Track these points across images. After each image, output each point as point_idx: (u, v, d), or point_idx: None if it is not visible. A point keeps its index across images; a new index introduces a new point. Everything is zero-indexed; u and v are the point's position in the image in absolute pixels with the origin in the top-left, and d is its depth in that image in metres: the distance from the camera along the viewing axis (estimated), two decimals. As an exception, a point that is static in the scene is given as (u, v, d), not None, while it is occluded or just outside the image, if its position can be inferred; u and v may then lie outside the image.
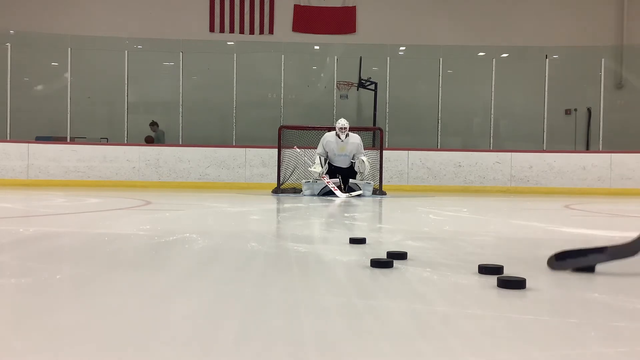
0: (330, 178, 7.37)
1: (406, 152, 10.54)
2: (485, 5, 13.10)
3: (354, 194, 7.22)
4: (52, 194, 7.04)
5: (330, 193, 7.20)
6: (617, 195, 9.05)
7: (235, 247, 2.29)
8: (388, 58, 12.14)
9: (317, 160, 7.49)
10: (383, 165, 8.34)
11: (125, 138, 11.70)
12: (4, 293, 1.43)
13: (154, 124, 11.96)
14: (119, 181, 10.18)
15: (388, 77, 11.99)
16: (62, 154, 10.29)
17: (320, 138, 7.76)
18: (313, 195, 7.25)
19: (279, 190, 7.87)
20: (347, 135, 7.52)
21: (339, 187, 7.27)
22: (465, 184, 10.40)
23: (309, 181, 7.48)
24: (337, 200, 6.35)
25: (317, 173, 7.32)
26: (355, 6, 13.13)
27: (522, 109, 12.43)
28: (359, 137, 7.69)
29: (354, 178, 7.55)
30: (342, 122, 7.55)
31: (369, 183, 7.60)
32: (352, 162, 7.61)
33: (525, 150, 10.89)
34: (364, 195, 7.26)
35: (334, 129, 7.69)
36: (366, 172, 7.52)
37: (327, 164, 7.54)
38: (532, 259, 2.13)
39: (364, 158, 7.49)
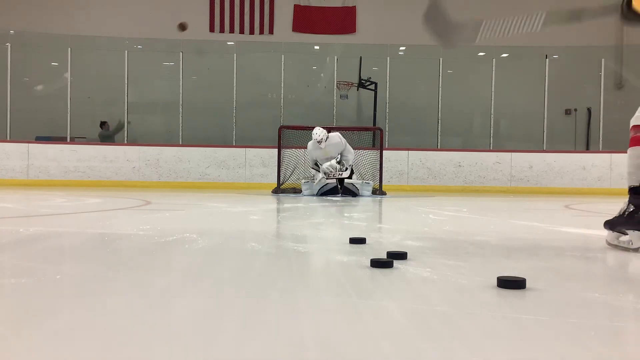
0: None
1: (406, 152, 10.55)
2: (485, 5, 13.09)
3: (345, 177, 7.22)
4: (52, 194, 7.04)
5: (328, 193, 7.21)
6: (617, 195, 9.02)
7: (235, 247, 2.29)
8: (388, 58, 12.14)
9: (314, 171, 7.48)
10: (383, 165, 8.34)
11: (125, 138, 11.71)
12: (4, 293, 1.43)
13: (104, 123, 11.83)
14: (119, 181, 10.19)
15: (388, 77, 11.99)
16: (62, 154, 10.30)
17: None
18: (312, 195, 7.25)
19: (279, 190, 7.87)
20: (326, 139, 7.36)
21: (340, 181, 7.26)
22: (465, 184, 10.40)
23: (307, 181, 7.48)
24: (335, 199, 6.35)
25: (322, 177, 7.27)
26: (355, 6, 13.13)
27: (522, 109, 12.44)
28: (337, 134, 7.49)
29: (349, 177, 7.53)
30: (316, 135, 7.21)
31: (368, 183, 7.58)
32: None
33: (525, 150, 10.90)
34: (362, 195, 7.25)
35: (334, 129, 7.68)
36: (347, 165, 7.38)
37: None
38: (532, 259, 2.13)
39: (347, 158, 7.36)
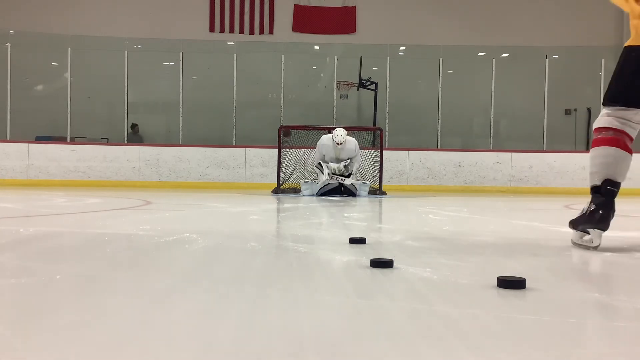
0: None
1: (406, 152, 10.54)
2: (485, 5, 13.10)
3: (347, 181, 7.22)
4: (52, 194, 7.04)
5: (328, 193, 7.21)
6: (617, 195, 9.02)
7: (235, 247, 2.29)
8: (388, 58, 12.14)
9: (318, 171, 7.47)
10: (383, 165, 8.34)
11: (125, 138, 11.71)
12: (4, 293, 1.43)
13: (134, 126, 11.99)
14: (119, 181, 10.19)
15: (388, 77, 11.99)
16: (62, 154, 10.29)
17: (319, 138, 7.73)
18: (312, 195, 7.25)
19: (279, 190, 7.87)
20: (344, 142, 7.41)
21: (344, 177, 7.27)
22: (465, 184, 10.40)
23: (307, 181, 7.48)
24: (335, 199, 6.35)
25: (326, 179, 7.27)
26: (355, 6, 13.13)
27: (522, 109, 12.43)
28: (355, 141, 7.55)
29: (348, 177, 7.53)
30: (339, 138, 7.23)
31: (365, 183, 7.59)
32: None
33: (525, 150, 10.89)
34: (360, 195, 7.25)
35: (334, 129, 7.68)
36: (351, 170, 7.43)
37: (326, 164, 7.51)
38: (532, 259, 2.13)
39: (354, 165, 7.40)
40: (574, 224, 2.39)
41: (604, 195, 2.30)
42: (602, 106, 2.43)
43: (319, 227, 3.57)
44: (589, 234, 2.32)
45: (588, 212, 2.32)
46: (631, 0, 2.34)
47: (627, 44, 2.37)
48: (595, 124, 2.43)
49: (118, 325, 1.11)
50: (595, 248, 2.26)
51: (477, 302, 1.35)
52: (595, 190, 2.34)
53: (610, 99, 2.38)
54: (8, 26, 12.19)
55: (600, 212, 2.27)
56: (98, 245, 2.38)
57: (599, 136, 2.39)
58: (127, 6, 12.85)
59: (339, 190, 7.23)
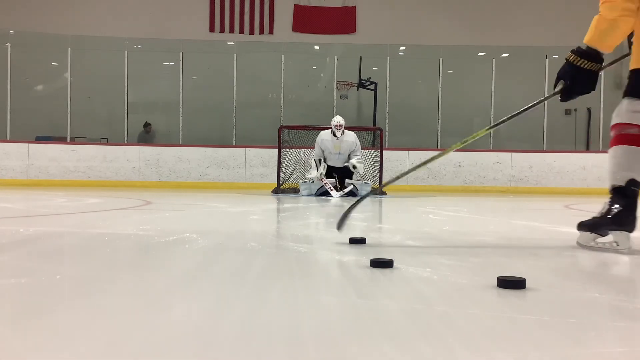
0: (327, 178, 7.36)
1: (406, 152, 10.55)
2: (485, 5, 13.10)
3: (345, 190, 7.18)
4: (52, 194, 7.04)
5: (327, 192, 7.21)
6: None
7: (235, 247, 2.29)
8: (388, 58, 12.15)
9: (313, 164, 7.48)
10: (383, 165, 8.35)
11: (125, 138, 11.71)
12: (4, 293, 1.43)
13: (147, 125, 12.04)
14: (119, 181, 10.19)
15: (388, 77, 12.00)
16: (62, 154, 10.29)
17: (319, 138, 7.75)
18: (311, 195, 7.25)
19: (278, 190, 7.87)
20: (342, 133, 7.53)
21: (335, 187, 7.25)
22: (465, 184, 10.40)
23: (306, 181, 7.49)
24: (333, 200, 6.35)
25: (315, 177, 7.30)
26: (355, 6, 13.13)
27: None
28: (354, 134, 7.69)
29: (350, 177, 7.55)
30: (338, 119, 7.55)
31: (367, 183, 7.59)
32: (346, 164, 7.59)
33: (525, 150, 10.90)
34: (360, 195, 7.25)
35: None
36: (361, 172, 7.51)
37: (325, 163, 7.52)
38: (532, 259, 2.13)
39: (355, 162, 7.41)
40: (592, 226, 2.25)
41: (629, 196, 2.17)
42: (626, 98, 2.26)
43: (319, 227, 3.57)
44: (603, 236, 2.21)
45: (612, 214, 2.18)
46: None
47: (634, 67, 2.21)
48: (618, 119, 2.25)
49: (118, 325, 1.10)
50: (625, 251, 2.14)
51: (477, 302, 1.35)
52: (617, 190, 2.20)
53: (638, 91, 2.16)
54: (8, 26, 12.19)
55: (627, 213, 2.16)
56: (98, 245, 2.38)
57: (622, 133, 2.21)
58: (127, 6, 12.85)
59: (337, 190, 7.22)
